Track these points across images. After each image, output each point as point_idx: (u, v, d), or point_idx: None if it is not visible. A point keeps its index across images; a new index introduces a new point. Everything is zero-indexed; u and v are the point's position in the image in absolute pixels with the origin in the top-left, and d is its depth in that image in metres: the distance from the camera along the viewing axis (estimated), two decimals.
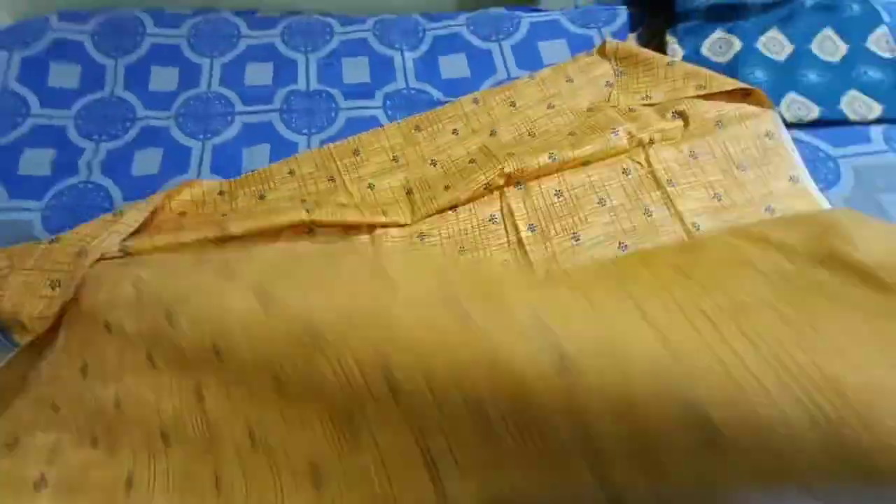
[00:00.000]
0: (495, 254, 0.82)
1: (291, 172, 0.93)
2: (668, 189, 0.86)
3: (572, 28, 1.12)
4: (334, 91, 1.04)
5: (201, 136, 0.99)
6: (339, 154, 0.94)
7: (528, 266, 0.80)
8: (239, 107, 1.03)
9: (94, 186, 0.92)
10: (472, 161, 0.92)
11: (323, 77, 1.06)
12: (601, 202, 0.85)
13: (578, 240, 0.82)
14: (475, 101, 1.01)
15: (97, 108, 1.01)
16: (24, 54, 1.04)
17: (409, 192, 0.90)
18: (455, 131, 0.97)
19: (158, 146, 0.98)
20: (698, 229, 0.82)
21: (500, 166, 0.86)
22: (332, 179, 0.92)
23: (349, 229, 0.84)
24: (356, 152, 0.95)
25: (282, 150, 0.97)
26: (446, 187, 0.88)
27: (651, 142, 0.91)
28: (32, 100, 1.00)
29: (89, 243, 0.75)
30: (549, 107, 0.99)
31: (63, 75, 1.03)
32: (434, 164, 0.94)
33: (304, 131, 0.99)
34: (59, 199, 0.90)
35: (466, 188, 0.85)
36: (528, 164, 0.86)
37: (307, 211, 0.81)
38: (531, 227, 0.84)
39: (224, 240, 0.77)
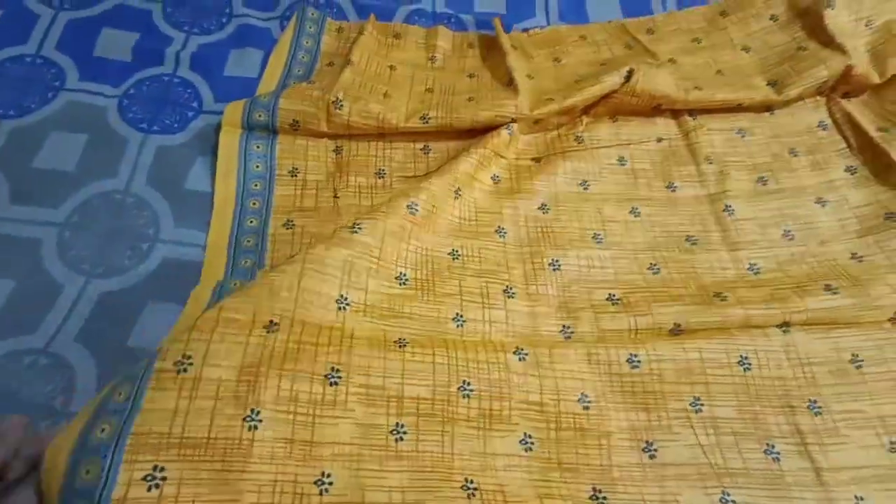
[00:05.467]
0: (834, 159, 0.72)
1: (583, 37, 0.86)
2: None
3: None
4: None
5: None
6: (633, 29, 0.87)
7: None
8: (352, 17, 0.87)
9: (181, 81, 0.76)
10: (800, 49, 0.77)
11: None
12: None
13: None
14: None
15: None
16: None
17: (718, 72, 0.80)
18: (773, 17, 0.83)
19: (259, 47, 0.82)
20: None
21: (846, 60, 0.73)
22: (629, 47, 0.84)
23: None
24: (650, 31, 0.87)
25: None
26: (771, 82, 0.76)
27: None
28: None
29: None
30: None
31: None
32: (747, 50, 0.82)
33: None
34: (140, 88, 0.74)
35: (799, 83, 0.73)
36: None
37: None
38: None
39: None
